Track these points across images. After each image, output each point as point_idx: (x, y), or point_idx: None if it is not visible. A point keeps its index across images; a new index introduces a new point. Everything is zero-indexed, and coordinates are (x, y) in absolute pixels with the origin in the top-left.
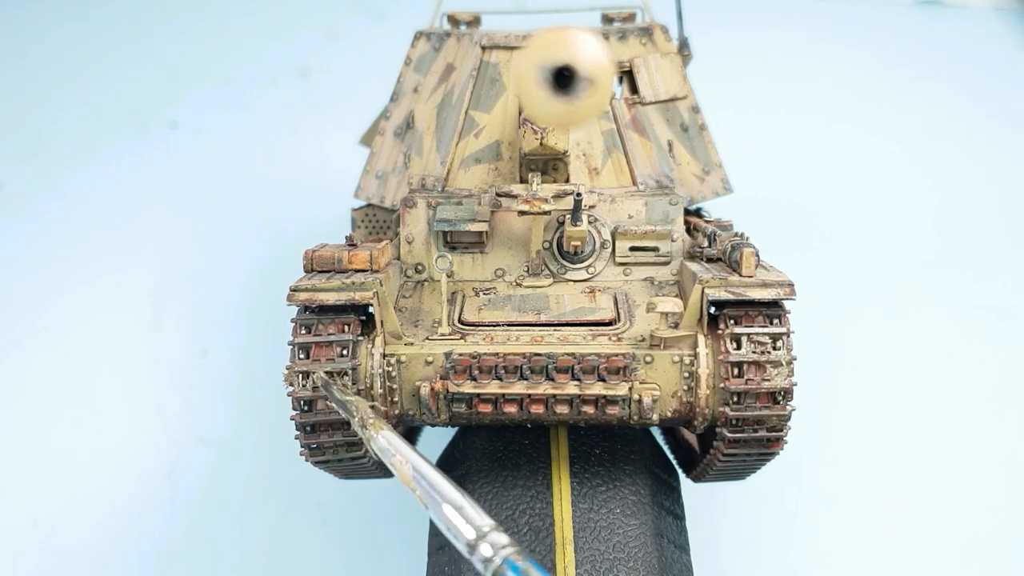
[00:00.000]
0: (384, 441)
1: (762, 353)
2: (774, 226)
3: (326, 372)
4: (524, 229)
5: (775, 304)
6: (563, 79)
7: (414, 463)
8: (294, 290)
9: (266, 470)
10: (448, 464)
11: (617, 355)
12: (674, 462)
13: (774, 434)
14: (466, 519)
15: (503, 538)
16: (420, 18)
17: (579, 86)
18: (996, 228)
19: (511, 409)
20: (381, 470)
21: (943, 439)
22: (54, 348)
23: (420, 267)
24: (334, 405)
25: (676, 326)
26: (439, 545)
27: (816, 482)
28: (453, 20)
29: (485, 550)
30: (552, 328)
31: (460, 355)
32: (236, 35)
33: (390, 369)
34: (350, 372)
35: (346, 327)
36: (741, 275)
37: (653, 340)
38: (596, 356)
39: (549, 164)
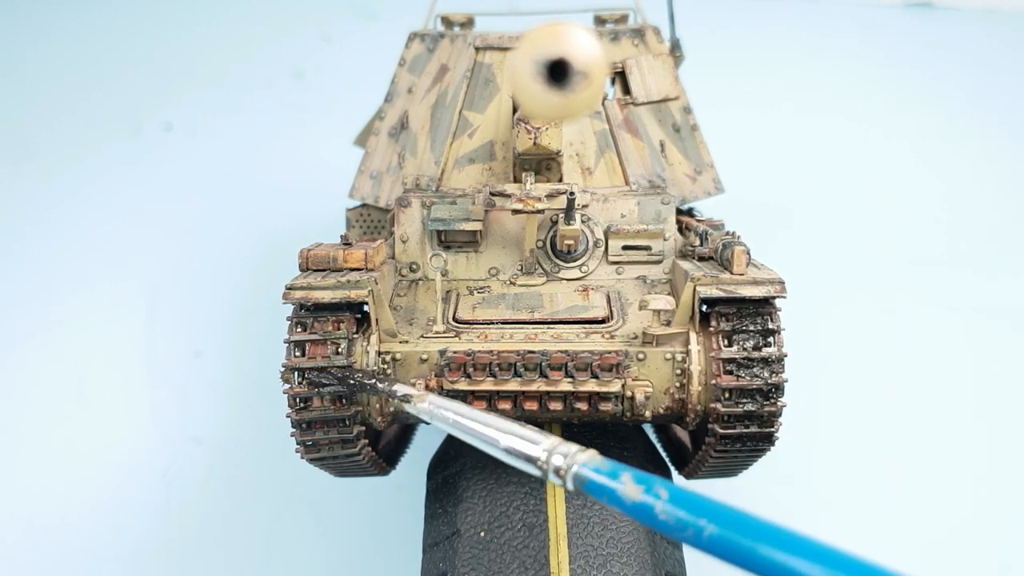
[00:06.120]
0: (431, 405)
1: (753, 350)
2: (765, 225)
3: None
4: (518, 228)
5: (766, 302)
6: (557, 73)
7: (464, 412)
8: (290, 288)
9: (260, 469)
10: (443, 461)
11: (610, 352)
12: (667, 459)
13: (765, 430)
14: (531, 441)
15: (571, 446)
16: (414, 19)
17: (573, 79)
18: (986, 228)
19: (505, 406)
20: (376, 467)
21: (934, 436)
22: (49, 348)
23: (415, 266)
24: (368, 391)
25: (668, 324)
26: (434, 542)
27: (807, 478)
28: (447, 21)
29: (557, 460)
30: (546, 326)
31: (455, 352)
32: (230, 37)
33: (385, 367)
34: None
35: (341, 325)
36: (732, 273)
37: (646, 337)
38: (589, 353)
39: (542, 164)
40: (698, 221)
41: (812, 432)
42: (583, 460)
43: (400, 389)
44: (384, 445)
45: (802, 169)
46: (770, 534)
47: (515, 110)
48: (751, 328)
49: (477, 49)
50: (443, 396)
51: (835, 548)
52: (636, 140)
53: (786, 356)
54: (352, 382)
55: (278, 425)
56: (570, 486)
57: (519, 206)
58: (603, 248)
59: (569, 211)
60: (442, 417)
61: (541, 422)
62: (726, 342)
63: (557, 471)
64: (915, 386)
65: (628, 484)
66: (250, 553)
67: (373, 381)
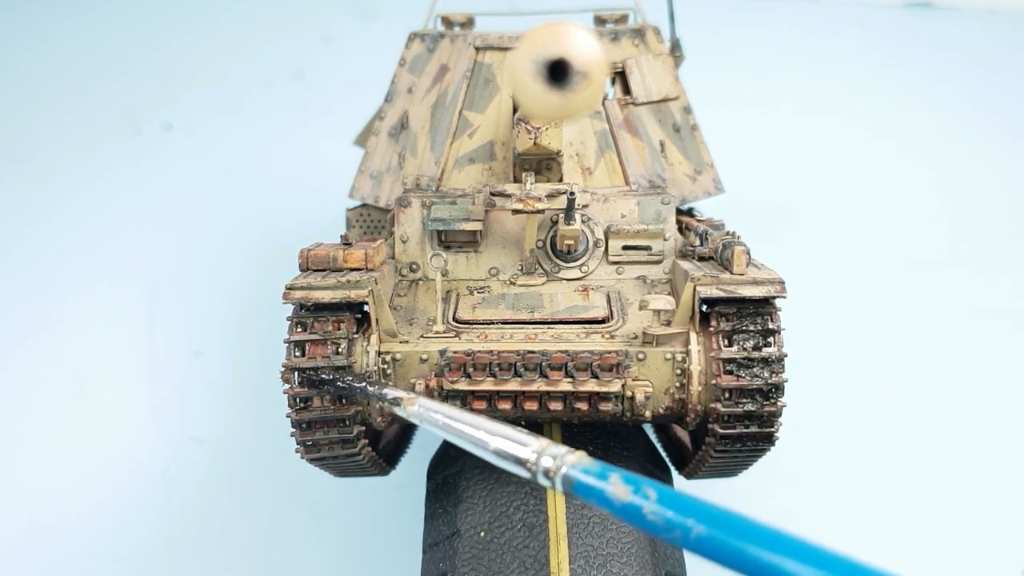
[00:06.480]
0: (420, 408)
1: (753, 350)
2: (765, 225)
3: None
4: (518, 228)
5: (766, 302)
6: (557, 73)
7: (454, 415)
8: (290, 288)
9: (260, 469)
10: (443, 462)
11: (610, 352)
12: (667, 459)
13: (765, 430)
14: (520, 443)
15: (560, 448)
16: (414, 19)
17: (573, 79)
18: (986, 228)
19: (505, 406)
20: (376, 467)
21: (934, 436)
22: (49, 348)
23: (415, 266)
24: (358, 395)
25: (668, 324)
26: (434, 541)
27: (807, 478)
28: (447, 21)
29: (546, 462)
30: (546, 326)
31: (455, 353)
32: (230, 37)
33: (385, 367)
34: (345, 369)
35: (341, 325)
36: (732, 273)
37: (646, 337)
38: (589, 353)
39: (543, 164)
40: (698, 221)
41: (812, 432)
42: (572, 461)
43: (390, 392)
44: (384, 445)
45: (802, 169)
46: (759, 534)
47: (515, 110)
48: (751, 328)
49: (477, 49)
50: (439, 397)
51: (825, 548)
52: (636, 140)
53: (786, 356)
54: (341, 385)
55: (278, 425)
56: (559, 487)
57: (519, 206)
58: (603, 248)
59: (569, 211)
60: (432, 420)
61: (541, 422)
62: (726, 342)
63: (546, 472)
64: (915, 386)
65: (617, 485)
66: (250, 553)
67: (363, 384)
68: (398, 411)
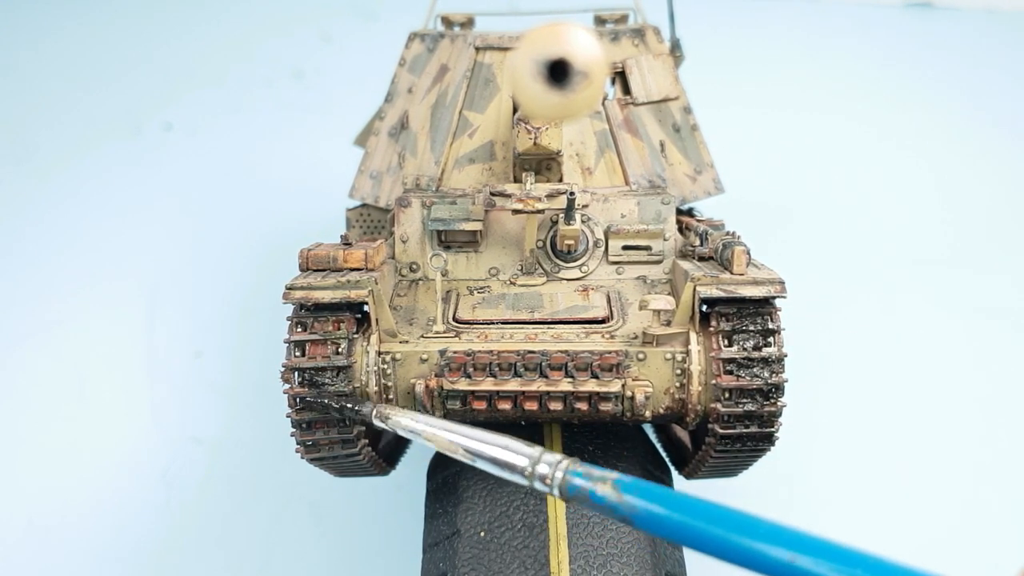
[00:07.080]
0: (408, 420)
1: (753, 350)
2: (765, 225)
3: (314, 370)
4: (518, 228)
5: (766, 302)
6: (558, 73)
7: (446, 427)
8: (290, 288)
9: (260, 469)
10: (443, 462)
11: (610, 352)
12: (667, 460)
13: (765, 430)
14: (516, 452)
15: (555, 455)
16: (414, 19)
17: (574, 79)
18: (986, 228)
19: (505, 406)
20: (376, 467)
21: (934, 436)
22: (49, 348)
23: (415, 266)
24: (340, 414)
25: (668, 324)
26: (434, 541)
27: (807, 478)
28: (447, 21)
29: (543, 469)
30: (546, 326)
31: (455, 353)
32: (230, 37)
33: (385, 367)
34: (345, 369)
35: (341, 325)
36: (732, 273)
37: (646, 337)
38: (589, 353)
39: (543, 164)
40: (698, 221)
41: (812, 432)
42: (566, 467)
43: (376, 410)
44: (384, 445)
45: (802, 169)
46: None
47: (515, 110)
48: (751, 328)
49: (477, 49)
50: (439, 397)
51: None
52: (636, 140)
53: (786, 356)
54: (331, 404)
55: (278, 425)
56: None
57: (519, 206)
58: (603, 248)
59: (569, 211)
60: (421, 434)
61: (541, 422)
62: (726, 342)
63: (544, 477)
64: (915, 386)
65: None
66: (250, 553)
67: (340, 404)
68: (384, 425)
